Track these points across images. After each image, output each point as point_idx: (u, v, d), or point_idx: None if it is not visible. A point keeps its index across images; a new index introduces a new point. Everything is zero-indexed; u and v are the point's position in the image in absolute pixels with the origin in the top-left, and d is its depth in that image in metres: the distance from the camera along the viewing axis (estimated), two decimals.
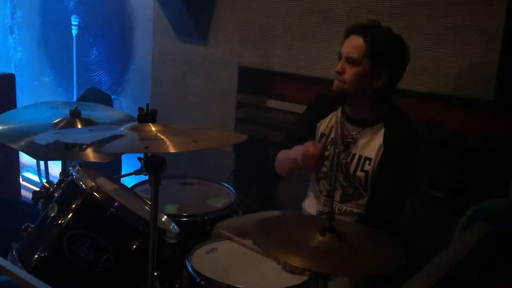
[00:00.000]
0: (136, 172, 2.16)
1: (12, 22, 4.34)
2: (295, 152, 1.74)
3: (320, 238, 1.21)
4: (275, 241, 1.23)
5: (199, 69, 2.95)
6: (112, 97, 3.48)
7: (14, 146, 1.82)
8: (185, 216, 1.95)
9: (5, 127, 1.90)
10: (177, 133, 1.18)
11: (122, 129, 1.22)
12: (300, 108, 2.51)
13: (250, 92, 2.80)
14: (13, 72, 4.11)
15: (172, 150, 1.07)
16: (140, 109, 1.25)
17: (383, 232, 1.36)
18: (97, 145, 1.08)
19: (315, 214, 1.83)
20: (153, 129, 1.21)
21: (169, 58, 3.08)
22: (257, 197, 2.46)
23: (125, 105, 3.64)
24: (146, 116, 1.23)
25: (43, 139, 1.18)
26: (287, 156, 1.81)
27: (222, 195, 2.22)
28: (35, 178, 3.90)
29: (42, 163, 3.19)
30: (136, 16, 3.42)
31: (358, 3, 2.26)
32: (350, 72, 1.64)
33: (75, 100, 3.78)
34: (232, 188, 2.27)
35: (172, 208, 2.03)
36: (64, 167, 2.06)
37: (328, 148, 1.77)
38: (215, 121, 2.90)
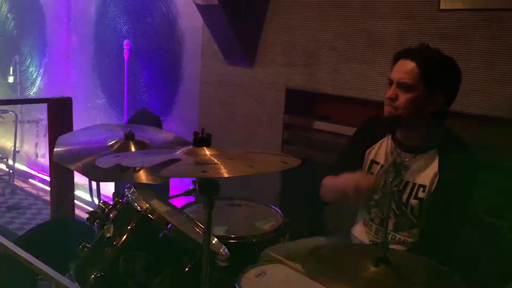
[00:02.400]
0: (186, 193, 2.21)
1: (68, 47, 4.56)
2: (344, 181, 1.68)
3: (373, 268, 1.19)
4: (327, 269, 1.21)
5: (246, 91, 2.99)
6: (161, 118, 3.58)
7: (72, 167, 1.90)
8: (233, 238, 1.96)
9: (63, 148, 1.99)
10: (232, 157, 1.20)
11: (177, 152, 1.25)
12: (347, 130, 2.50)
13: (297, 113, 2.81)
14: (69, 96, 4.32)
15: (227, 175, 1.09)
16: (195, 133, 1.28)
17: (439, 263, 1.32)
18: (156, 169, 1.11)
19: (365, 242, 1.80)
20: (208, 153, 1.23)
21: (216, 81, 3.14)
22: (304, 220, 2.44)
23: (173, 127, 3.72)
24: (201, 140, 1.26)
25: (104, 162, 1.22)
26: (334, 184, 1.76)
27: (270, 217, 2.22)
28: (86, 196, 4.03)
29: (93, 182, 3.31)
30: (185, 40, 3.52)
31: (407, 25, 2.24)
32: (403, 98, 1.61)
33: (125, 121, 3.91)
34: (279, 211, 2.27)
35: (220, 230, 2.04)
36: (117, 187, 2.12)
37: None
38: (262, 143, 2.93)
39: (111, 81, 4.16)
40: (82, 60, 4.43)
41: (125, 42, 3.81)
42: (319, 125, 2.71)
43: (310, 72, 2.66)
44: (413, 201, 1.66)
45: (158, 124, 3.39)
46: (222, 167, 1.12)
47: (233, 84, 3.05)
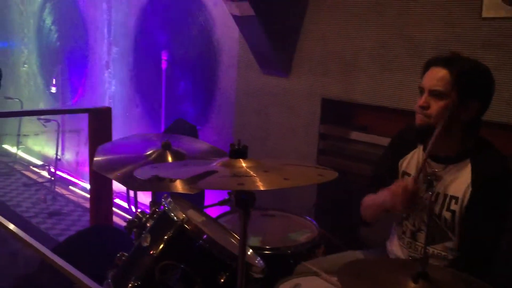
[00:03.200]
0: (221, 203, 2.22)
1: (108, 58, 4.69)
2: (382, 196, 1.66)
3: (412, 284, 1.15)
4: (364, 284, 1.19)
5: (282, 101, 2.99)
6: (197, 127, 3.62)
7: (111, 176, 1.94)
8: (268, 249, 1.95)
9: (103, 158, 2.04)
10: (268, 169, 1.19)
11: (214, 164, 1.26)
12: (384, 141, 2.45)
13: (333, 123, 2.79)
14: (109, 106, 4.44)
15: (263, 188, 1.08)
16: (231, 145, 1.28)
17: (478, 277, 1.27)
18: (193, 180, 1.12)
19: (401, 256, 1.75)
20: (244, 165, 1.23)
21: (252, 90, 3.16)
22: (340, 232, 2.41)
23: (209, 136, 3.76)
24: (238, 152, 1.26)
25: (142, 173, 1.24)
26: (373, 201, 1.73)
27: (305, 229, 2.20)
28: (124, 204, 4.11)
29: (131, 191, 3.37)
30: (221, 50, 3.55)
31: (447, 33, 2.19)
32: (436, 106, 1.57)
33: (162, 130, 3.97)
34: (315, 222, 2.25)
35: (254, 240, 2.04)
36: (154, 196, 2.15)
37: None
38: (297, 153, 2.91)
39: (149, 91, 4.24)
40: (121, 70, 4.54)
41: (163, 53, 3.89)
42: (355, 135, 2.67)
43: (347, 81, 2.63)
44: (446, 213, 1.61)
45: (194, 133, 3.43)
46: (258, 179, 1.12)
47: (268, 94, 3.06)
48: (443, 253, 1.64)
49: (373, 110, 2.61)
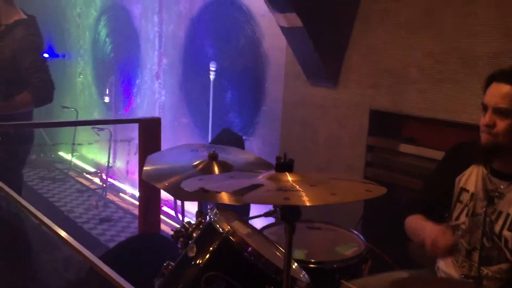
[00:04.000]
0: (266, 215, 2.21)
1: (158, 69, 4.82)
2: (424, 231, 1.61)
3: None
4: None
5: (329, 112, 2.96)
6: (243, 138, 3.64)
7: (159, 186, 1.98)
8: (313, 263, 1.92)
9: (152, 167, 2.08)
10: (314, 183, 1.18)
11: (260, 177, 1.26)
12: (434, 154, 2.39)
13: (381, 135, 2.73)
14: (158, 116, 4.55)
15: (309, 203, 1.07)
16: (277, 158, 1.28)
17: None
18: (239, 194, 1.12)
19: (454, 275, 1.68)
20: (290, 179, 1.22)
21: (299, 101, 3.15)
22: (387, 247, 2.35)
23: (255, 146, 3.78)
24: (284, 165, 1.26)
25: (189, 185, 1.26)
26: (416, 229, 1.68)
27: (351, 243, 2.15)
28: (171, 212, 4.19)
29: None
30: (269, 61, 3.57)
31: (504, 44, 2.11)
32: (502, 124, 1.51)
33: (209, 140, 4.02)
34: (361, 236, 2.20)
35: (299, 253, 2.01)
36: (200, 206, 2.18)
37: (468, 203, 1.63)
38: (344, 165, 2.87)
39: (197, 101, 4.32)
40: (171, 81, 4.65)
41: (211, 63, 3.95)
42: (404, 148, 2.61)
43: (396, 93, 2.58)
44: (507, 233, 1.53)
45: (240, 143, 3.45)
46: (304, 194, 1.11)
47: (315, 105, 3.04)
48: (497, 275, 1.56)
49: (423, 122, 2.54)
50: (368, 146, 2.75)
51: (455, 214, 1.71)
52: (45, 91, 2.85)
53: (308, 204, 1.08)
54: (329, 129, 2.97)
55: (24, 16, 2.95)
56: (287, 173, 1.25)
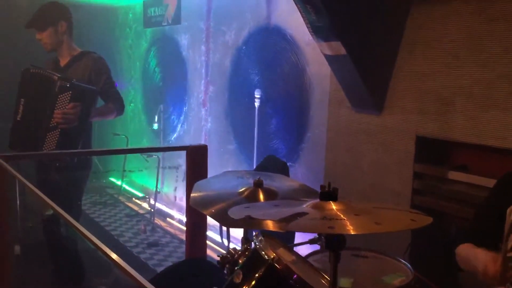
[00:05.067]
0: (311, 242, 2.21)
1: (205, 97, 4.96)
2: (475, 259, 1.59)
3: None
4: None
5: (374, 138, 2.95)
6: (288, 164, 3.67)
7: (206, 213, 2.03)
8: None
9: (199, 194, 2.14)
10: (358, 212, 1.19)
11: (304, 206, 1.28)
12: (485, 181, 2.32)
13: (429, 162, 2.69)
14: (204, 142, 4.66)
15: (354, 232, 1.08)
16: (322, 187, 1.30)
17: None
18: (284, 222, 1.15)
19: None
20: (334, 207, 1.24)
21: (343, 128, 3.15)
22: (437, 277, 2.28)
23: (300, 172, 3.79)
24: (328, 194, 1.27)
25: (236, 213, 1.30)
26: (467, 258, 1.65)
27: (399, 272, 2.10)
28: (217, 237, 4.23)
29: None
30: (313, 88, 3.61)
31: None
32: None
33: (254, 166, 4.07)
34: (409, 265, 2.15)
35: (345, 282, 1.99)
36: (246, 232, 2.21)
37: None
38: (390, 192, 2.83)
39: (242, 128, 4.40)
40: (217, 108, 4.77)
41: (256, 91, 4.03)
42: (454, 175, 2.55)
43: (444, 119, 2.54)
44: None
45: (285, 169, 3.48)
46: (348, 223, 1.12)
47: (360, 131, 3.04)
48: None
49: (473, 149, 2.48)
50: (415, 173, 2.71)
51: (509, 245, 1.65)
52: (122, 102, 3.26)
53: (352, 233, 1.09)
54: (375, 156, 2.95)
55: (84, 50, 3.29)
56: (331, 202, 1.26)
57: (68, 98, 2.93)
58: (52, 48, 3.21)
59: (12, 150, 3.04)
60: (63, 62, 3.22)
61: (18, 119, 3.04)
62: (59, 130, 2.94)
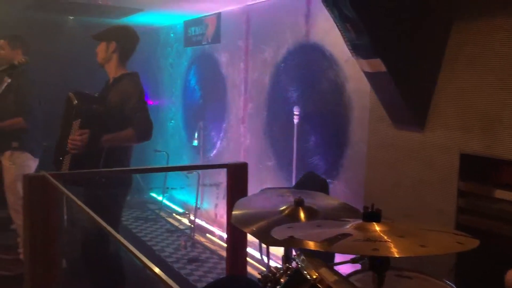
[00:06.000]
0: (353, 261, 2.19)
1: (244, 114, 5.01)
2: None
3: None
4: None
5: (416, 155, 2.90)
6: (327, 181, 3.65)
7: (246, 230, 2.04)
8: None
9: (240, 212, 2.16)
10: (403, 234, 1.18)
11: (347, 226, 1.27)
12: None
13: (474, 180, 2.62)
14: (243, 158, 4.70)
15: (398, 254, 1.07)
16: (365, 207, 1.29)
17: None
18: (327, 243, 1.15)
19: None
20: (378, 229, 1.23)
21: (384, 144, 3.12)
22: None
23: (339, 189, 3.76)
24: (371, 215, 1.27)
25: (278, 233, 1.31)
26: None
27: None
28: (256, 254, 4.24)
29: None
30: (353, 105, 3.60)
31: None
32: None
33: (293, 183, 4.07)
34: (454, 287, 2.10)
35: None
36: (286, 250, 2.21)
37: None
38: (433, 210, 2.77)
39: (281, 144, 4.41)
40: (256, 124, 4.81)
41: (295, 108, 4.05)
42: (500, 193, 2.47)
43: (489, 136, 2.48)
44: None
45: (325, 187, 3.46)
46: (392, 245, 1.11)
47: (401, 148, 2.99)
48: None
49: None
50: (460, 191, 2.65)
51: None
52: (145, 128, 3.17)
53: (396, 255, 1.08)
54: (417, 173, 2.90)
55: (128, 71, 3.35)
56: (374, 223, 1.26)
57: (78, 124, 3.05)
58: (101, 61, 3.37)
59: (54, 166, 3.22)
60: (110, 81, 3.36)
61: (58, 139, 3.24)
62: (70, 154, 3.05)
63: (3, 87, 3.51)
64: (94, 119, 3.08)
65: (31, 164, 4.20)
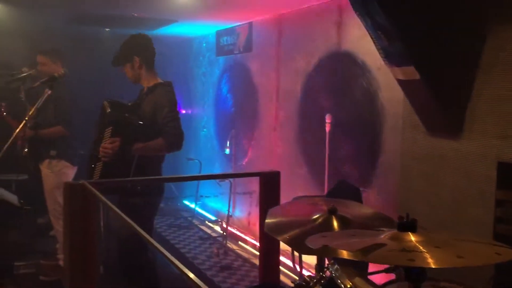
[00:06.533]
0: (387, 271, 2.17)
1: (275, 122, 5.03)
2: None
3: None
4: None
5: (452, 164, 2.85)
6: (360, 189, 3.62)
7: (279, 238, 2.05)
8: None
9: (273, 220, 2.17)
10: (439, 245, 1.17)
11: (382, 236, 1.27)
12: None
13: None
14: (274, 168, 4.70)
15: (435, 265, 1.07)
16: (399, 217, 1.29)
17: None
18: (362, 253, 1.15)
19: None
20: (413, 239, 1.22)
21: (419, 153, 3.08)
22: None
23: (372, 197, 3.72)
24: (406, 225, 1.26)
25: (313, 242, 1.32)
26: None
27: None
28: (288, 262, 4.23)
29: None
30: (385, 113, 3.57)
31: None
32: None
33: (325, 191, 4.05)
34: None
35: None
36: (319, 259, 2.21)
37: None
38: (470, 220, 2.71)
39: (312, 152, 4.40)
40: (287, 132, 4.82)
41: (327, 116, 4.04)
42: None
43: None
44: None
45: (357, 195, 3.43)
46: (429, 256, 1.10)
47: (437, 157, 2.95)
48: None
49: None
50: (497, 200, 2.58)
51: None
52: (176, 138, 3.19)
53: (433, 266, 1.07)
54: (452, 182, 2.84)
55: (162, 81, 3.39)
56: (410, 233, 1.25)
57: (110, 133, 3.10)
58: (135, 81, 3.42)
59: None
60: (144, 90, 3.42)
61: (91, 146, 3.31)
62: (102, 162, 3.11)
63: (44, 98, 3.64)
64: (125, 127, 3.13)
65: (69, 172, 4.33)
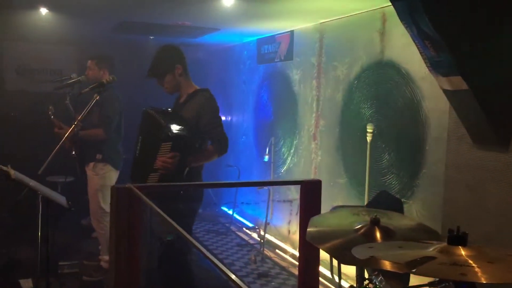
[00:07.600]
0: (431, 285, 2.12)
1: (315, 130, 5.01)
2: None
3: None
4: None
5: (500, 177, 2.76)
6: (402, 200, 3.55)
7: (322, 248, 2.05)
8: None
9: (315, 229, 2.17)
10: (492, 260, 1.14)
11: (431, 249, 1.25)
12: None
13: None
14: (314, 175, 4.69)
15: (487, 281, 1.04)
16: (450, 230, 1.26)
17: None
18: (410, 265, 1.14)
19: None
20: (464, 253, 1.20)
21: (464, 165, 3.00)
22: None
23: (414, 209, 3.65)
24: (457, 238, 1.24)
25: (360, 252, 1.31)
26: None
27: None
28: (326, 272, 4.19)
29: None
30: (429, 123, 3.50)
31: None
32: None
33: (365, 201, 4.00)
34: None
35: None
36: (359, 270, 2.19)
37: None
38: None
39: (353, 162, 4.36)
40: (328, 141, 4.79)
41: (368, 125, 3.99)
42: None
43: None
44: None
45: (399, 206, 3.37)
46: (481, 271, 1.08)
47: (483, 169, 2.87)
48: None
49: None
50: None
51: None
52: (224, 144, 3.29)
53: (485, 282, 1.05)
54: (501, 196, 2.76)
55: (199, 88, 3.44)
56: (460, 247, 1.22)
57: (169, 147, 3.10)
58: (173, 91, 3.46)
59: (131, 180, 3.30)
60: (181, 99, 3.45)
61: (136, 154, 3.33)
62: (159, 173, 3.12)
63: (92, 103, 3.77)
64: (183, 143, 3.15)
65: (112, 175, 4.45)
